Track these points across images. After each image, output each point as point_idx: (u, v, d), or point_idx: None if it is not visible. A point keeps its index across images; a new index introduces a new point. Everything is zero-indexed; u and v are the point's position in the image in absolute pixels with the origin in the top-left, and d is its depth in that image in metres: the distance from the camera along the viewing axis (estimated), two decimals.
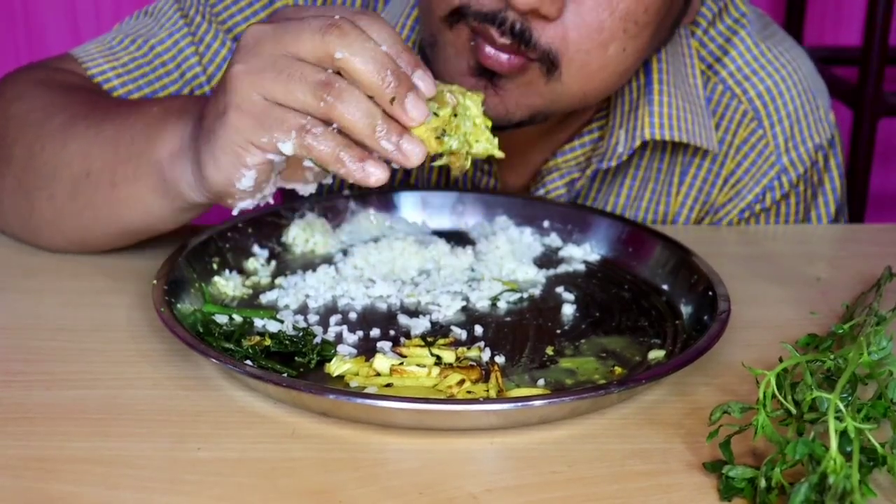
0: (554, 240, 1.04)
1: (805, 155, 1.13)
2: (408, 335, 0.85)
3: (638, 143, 1.06)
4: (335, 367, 0.79)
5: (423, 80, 0.78)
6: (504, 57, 0.92)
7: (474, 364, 0.80)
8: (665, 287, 0.94)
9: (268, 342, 0.81)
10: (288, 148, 0.76)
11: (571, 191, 1.11)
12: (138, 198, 0.88)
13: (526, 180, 1.14)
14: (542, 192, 1.12)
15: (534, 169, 1.14)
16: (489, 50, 0.92)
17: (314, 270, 0.94)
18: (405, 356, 0.81)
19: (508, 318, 0.89)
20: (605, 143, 1.08)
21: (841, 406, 0.61)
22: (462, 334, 0.86)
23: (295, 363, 0.80)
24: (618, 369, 0.81)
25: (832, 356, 0.71)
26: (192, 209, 0.89)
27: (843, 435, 0.61)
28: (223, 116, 0.77)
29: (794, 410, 0.67)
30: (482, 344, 0.84)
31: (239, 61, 0.77)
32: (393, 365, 0.78)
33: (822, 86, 1.17)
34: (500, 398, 0.75)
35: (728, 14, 1.13)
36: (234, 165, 0.79)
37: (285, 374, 0.77)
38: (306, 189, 0.85)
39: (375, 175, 0.77)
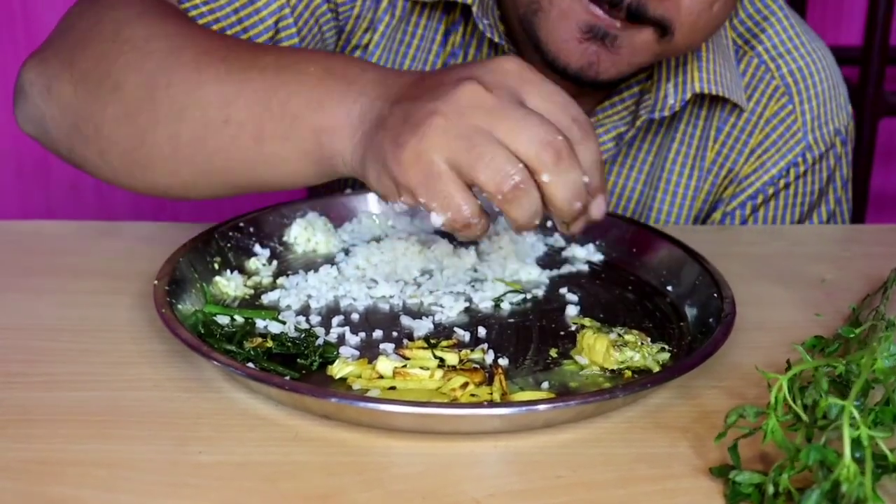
0: (557, 240, 1.03)
1: (827, 136, 1.17)
2: (410, 337, 0.85)
3: (689, 95, 1.10)
4: (338, 370, 0.78)
5: (597, 208, 0.80)
6: (618, 20, 0.97)
7: (478, 366, 0.80)
8: (669, 288, 0.93)
9: (270, 344, 0.81)
10: (437, 221, 0.77)
11: (620, 144, 1.13)
12: (284, 158, 0.85)
13: None
14: None
15: None
16: (601, 11, 0.96)
17: (316, 270, 0.93)
18: (408, 358, 0.80)
19: (512, 320, 0.88)
20: (651, 96, 1.11)
21: (856, 413, 0.60)
22: (465, 336, 0.85)
23: (297, 365, 0.79)
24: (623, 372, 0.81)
25: (843, 361, 0.70)
26: (333, 175, 0.86)
27: (854, 441, 0.60)
28: (398, 150, 0.75)
29: (803, 416, 0.66)
30: (486, 346, 0.83)
31: (443, 113, 0.74)
32: (396, 367, 0.78)
33: (841, 76, 1.22)
34: (503, 402, 0.75)
35: None
36: (390, 196, 0.79)
37: (287, 377, 0.77)
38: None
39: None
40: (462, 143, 0.73)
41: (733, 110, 1.16)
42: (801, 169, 1.17)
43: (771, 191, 1.17)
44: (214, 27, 1.04)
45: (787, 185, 1.17)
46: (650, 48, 1.00)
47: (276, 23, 1.07)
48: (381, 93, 0.80)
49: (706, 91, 1.11)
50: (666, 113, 1.10)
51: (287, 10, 1.07)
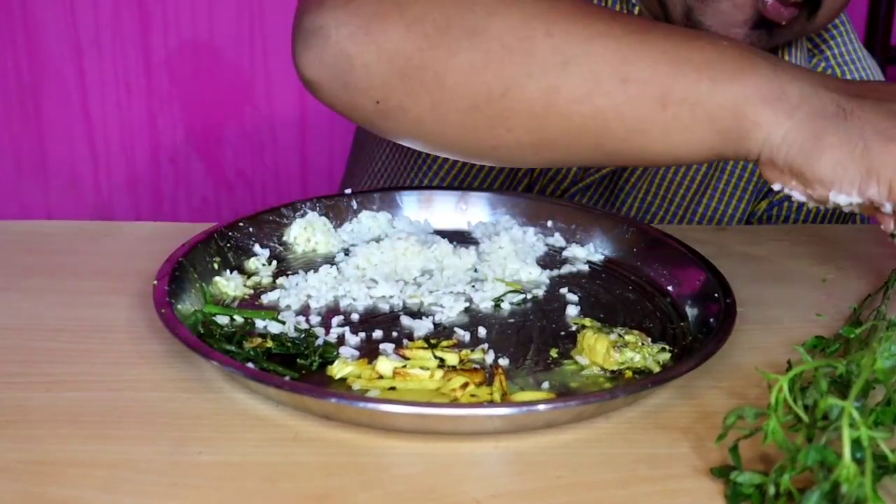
0: (557, 240, 1.03)
1: None
2: (410, 337, 0.85)
3: None
4: (338, 370, 0.78)
5: None
6: (785, 11, 1.02)
7: (478, 367, 0.80)
8: (670, 288, 0.93)
9: (269, 344, 0.81)
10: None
11: None
12: (687, 125, 0.80)
13: None
14: None
15: None
16: (774, 4, 1.02)
17: (316, 270, 0.93)
18: (408, 358, 0.80)
19: (512, 320, 0.88)
20: None
21: (855, 414, 0.60)
22: (465, 336, 0.85)
23: (297, 365, 0.79)
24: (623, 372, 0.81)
25: (844, 362, 0.70)
26: (730, 156, 0.82)
27: (854, 442, 0.60)
28: (885, 145, 0.75)
29: (804, 416, 0.66)
30: (486, 346, 0.83)
31: None
32: (396, 367, 0.78)
33: None
34: (504, 402, 0.75)
35: None
36: (846, 185, 0.77)
37: (287, 377, 0.77)
38: None
39: None
40: None
41: None
42: None
43: None
44: None
45: None
46: (797, 29, 1.07)
47: None
48: (819, 84, 0.79)
49: None
50: None
51: None
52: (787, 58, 1.16)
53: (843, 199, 0.77)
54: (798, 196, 0.80)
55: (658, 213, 1.22)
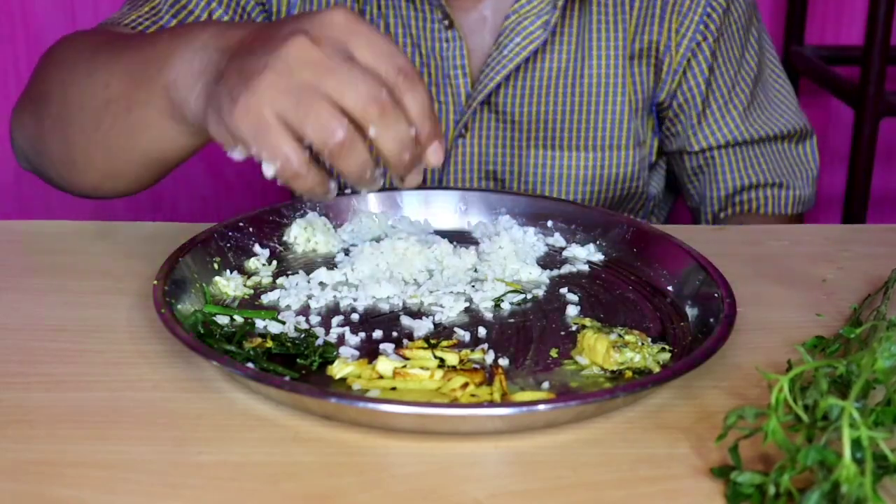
0: (558, 240, 1.03)
1: None
2: (410, 337, 0.85)
3: None
4: (337, 370, 0.78)
5: (434, 154, 0.80)
6: None
7: (478, 367, 0.80)
8: (670, 288, 0.93)
9: (269, 344, 0.81)
10: (268, 172, 0.78)
11: (547, 28, 1.20)
12: (150, 121, 0.90)
13: (494, 37, 1.23)
14: (518, 39, 1.21)
15: (496, 28, 1.23)
16: None
17: (316, 270, 0.93)
18: (408, 358, 0.80)
19: (512, 320, 0.88)
20: None
21: (855, 414, 0.60)
22: (465, 336, 0.85)
23: (297, 365, 0.79)
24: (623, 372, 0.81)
25: (844, 362, 0.70)
26: (201, 133, 0.88)
27: (854, 442, 0.60)
28: (231, 103, 0.77)
29: (804, 416, 0.66)
30: (486, 346, 0.83)
31: (273, 68, 0.76)
32: (396, 367, 0.78)
33: None
34: (504, 402, 0.75)
35: None
36: (227, 145, 0.80)
37: (287, 377, 0.76)
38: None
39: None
40: (289, 98, 0.75)
41: None
42: (717, 21, 1.25)
43: (706, 48, 1.26)
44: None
45: (716, 40, 1.26)
46: None
47: (209, 17, 1.20)
48: (220, 45, 0.83)
49: None
50: None
51: (215, 4, 1.20)
52: None
53: (236, 154, 0.80)
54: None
55: (556, 123, 1.25)
